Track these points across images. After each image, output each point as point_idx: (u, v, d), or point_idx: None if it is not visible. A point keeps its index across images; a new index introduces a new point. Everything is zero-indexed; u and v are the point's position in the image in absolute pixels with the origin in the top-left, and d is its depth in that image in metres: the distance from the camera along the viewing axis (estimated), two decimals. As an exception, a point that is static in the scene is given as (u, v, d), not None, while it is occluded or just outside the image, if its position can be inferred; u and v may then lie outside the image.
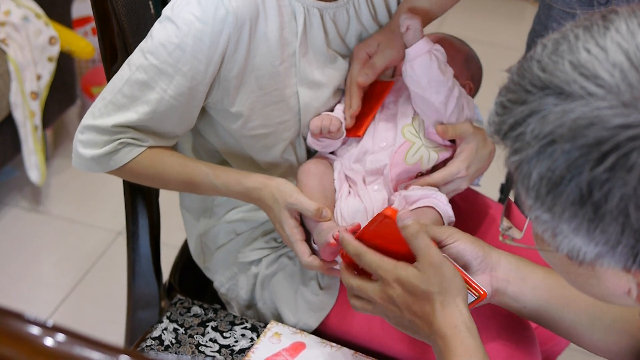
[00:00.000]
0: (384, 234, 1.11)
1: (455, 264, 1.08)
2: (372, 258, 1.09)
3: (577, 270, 0.82)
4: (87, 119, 1.31)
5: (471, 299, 1.10)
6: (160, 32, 1.24)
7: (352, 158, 1.37)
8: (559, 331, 1.18)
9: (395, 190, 1.35)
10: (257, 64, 1.28)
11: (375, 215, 1.15)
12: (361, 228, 1.16)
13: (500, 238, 0.96)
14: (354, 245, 1.11)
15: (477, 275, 1.15)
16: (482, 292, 1.10)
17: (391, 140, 1.36)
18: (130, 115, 1.28)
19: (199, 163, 1.35)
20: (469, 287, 1.09)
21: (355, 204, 1.32)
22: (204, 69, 1.24)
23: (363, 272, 1.13)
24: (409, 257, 1.08)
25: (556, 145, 0.72)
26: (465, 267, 1.15)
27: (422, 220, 1.27)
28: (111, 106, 1.29)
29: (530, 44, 1.82)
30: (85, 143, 1.31)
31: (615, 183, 0.70)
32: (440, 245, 1.12)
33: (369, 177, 1.36)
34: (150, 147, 1.32)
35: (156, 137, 1.32)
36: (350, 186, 1.36)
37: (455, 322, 1.02)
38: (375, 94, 1.42)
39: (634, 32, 0.73)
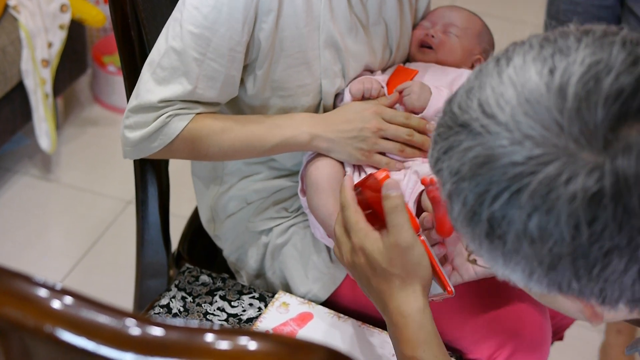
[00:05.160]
0: (374, 193, 1.04)
1: (431, 252, 1.03)
2: (350, 216, 1.03)
3: (531, 292, 0.83)
4: (131, 103, 1.30)
5: (438, 290, 1.05)
6: None
7: None
8: None
9: None
10: (283, 24, 1.27)
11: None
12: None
13: (467, 257, 0.96)
14: (346, 195, 1.05)
15: None
16: (448, 289, 1.04)
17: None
18: (174, 88, 1.27)
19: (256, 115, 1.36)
20: (438, 279, 1.05)
21: None
22: (241, 28, 1.24)
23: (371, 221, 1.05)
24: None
25: (464, 183, 0.73)
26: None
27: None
28: (152, 83, 1.27)
29: None
30: (132, 127, 1.30)
31: (509, 220, 0.71)
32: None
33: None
34: (198, 113, 1.30)
35: (202, 105, 1.31)
36: (362, 171, 1.36)
37: (409, 310, 1.00)
38: (399, 81, 1.41)
39: (527, 66, 0.72)
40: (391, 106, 1.36)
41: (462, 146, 0.73)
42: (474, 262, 0.96)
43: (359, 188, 1.07)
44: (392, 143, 1.33)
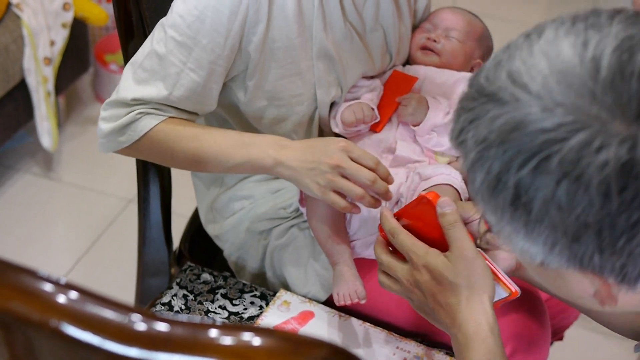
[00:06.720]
0: (422, 217, 1.09)
1: (489, 260, 1.07)
2: (405, 239, 1.08)
3: (544, 272, 0.83)
4: (111, 96, 1.31)
5: (502, 295, 1.09)
6: (180, 5, 1.24)
7: (379, 150, 1.37)
8: (579, 307, 1.19)
9: None
10: (274, 35, 1.27)
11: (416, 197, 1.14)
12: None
13: (478, 241, 0.99)
14: (391, 223, 1.10)
15: (502, 248, 1.14)
16: (513, 290, 1.08)
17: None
18: (149, 90, 1.27)
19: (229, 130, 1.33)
20: (501, 284, 1.08)
21: None
22: (223, 42, 1.24)
23: (397, 251, 1.12)
24: (443, 244, 1.07)
25: (490, 150, 0.73)
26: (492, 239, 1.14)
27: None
28: (131, 81, 1.28)
29: None
30: (106, 119, 1.31)
31: (537, 186, 0.71)
32: (467, 221, 1.11)
33: (391, 166, 1.35)
34: (172, 117, 1.30)
35: (176, 111, 1.31)
36: None
37: (479, 320, 1.02)
38: (398, 89, 1.41)
39: (559, 38, 0.73)
40: (385, 175, 1.23)
41: (489, 114, 0.74)
42: (485, 243, 0.97)
43: (397, 217, 1.12)
44: (350, 184, 1.21)
